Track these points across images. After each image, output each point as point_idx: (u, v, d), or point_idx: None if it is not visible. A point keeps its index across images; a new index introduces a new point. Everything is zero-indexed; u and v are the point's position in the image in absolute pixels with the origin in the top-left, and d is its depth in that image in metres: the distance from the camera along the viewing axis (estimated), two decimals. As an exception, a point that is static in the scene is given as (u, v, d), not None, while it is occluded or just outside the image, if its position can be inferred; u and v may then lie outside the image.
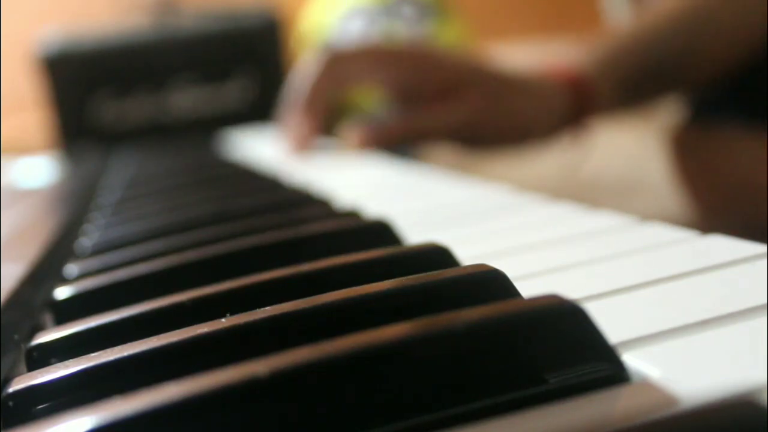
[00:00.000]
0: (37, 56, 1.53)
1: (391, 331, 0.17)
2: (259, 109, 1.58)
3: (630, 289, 0.22)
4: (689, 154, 0.73)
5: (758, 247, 0.24)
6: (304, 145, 0.65)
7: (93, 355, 0.19)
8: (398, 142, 0.65)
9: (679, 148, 0.74)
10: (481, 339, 0.17)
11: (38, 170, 0.87)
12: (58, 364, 0.19)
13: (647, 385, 0.16)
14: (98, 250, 0.34)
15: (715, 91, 0.73)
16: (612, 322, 0.19)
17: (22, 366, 0.22)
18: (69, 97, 1.54)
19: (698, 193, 0.72)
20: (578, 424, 0.15)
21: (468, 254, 0.26)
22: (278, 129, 0.71)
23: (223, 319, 0.20)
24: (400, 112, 0.65)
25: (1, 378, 0.20)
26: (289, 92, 0.69)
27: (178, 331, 0.20)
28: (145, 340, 0.19)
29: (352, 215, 0.35)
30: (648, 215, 0.30)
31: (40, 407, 0.18)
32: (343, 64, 0.64)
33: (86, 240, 0.37)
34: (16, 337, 0.23)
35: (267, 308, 0.20)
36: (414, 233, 0.31)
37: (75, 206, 0.51)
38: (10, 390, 0.18)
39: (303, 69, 0.67)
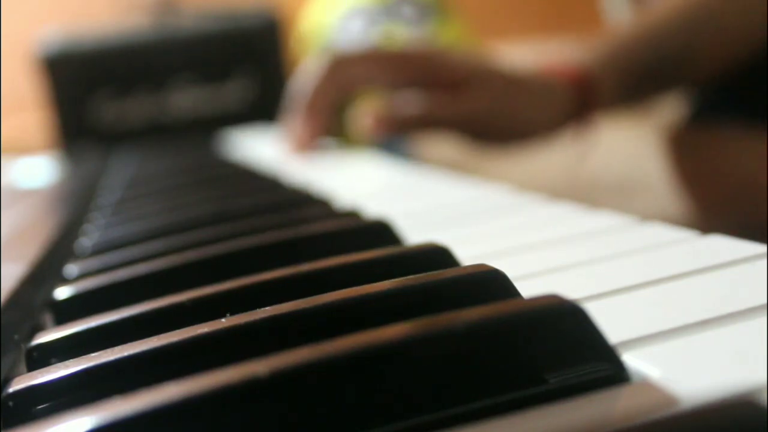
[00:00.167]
0: (37, 56, 1.53)
1: (391, 331, 0.17)
2: (259, 109, 1.58)
3: (630, 289, 0.22)
4: (689, 154, 0.73)
5: (758, 247, 0.24)
6: (306, 148, 0.65)
7: (93, 355, 0.19)
8: (409, 129, 0.65)
9: (679, 148, 0.74)
10: (481, 339, 0.17)
11: (38, 170, 0.87)
12: (58, 364, 0.19)
13: (647, 385, 0.16)
14: (98, 250, 0.34)
15: (715, 90, 0.73)
16: (612, 322, 0.19)
17: (22, 366, 0.22)
18: (69, 97, 1.54)
19: (698, 193, 0.72)
20: (578, 424, 0.15)
21: (468, 254, 0.26)
22: (281, 131, 0.71)
23: (223, 319, 0.20)
24: (410, 101, 0.66)
25: (1, 378, 0.20)
26: (292, 95, 0.69)
27: (178, 331, 0.20)
28: (145, 340, 0.19)
29: (352, 215, 0.35)
30: (648, 215, 0.30)
31: (40, 407, 0.18)
32: (346, 68, 0.64)
33: (86, 240, 0.37)
34: (16, 337, 0.23)
35: (267, 308, 0.20)
36: (414, 233, 0.31)
37: (75, 206, 0.51)
38: (10, 390, 0.18)
39: (306, 72, 0.67)
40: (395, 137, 0.84)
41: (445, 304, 0.19)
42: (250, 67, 1.60)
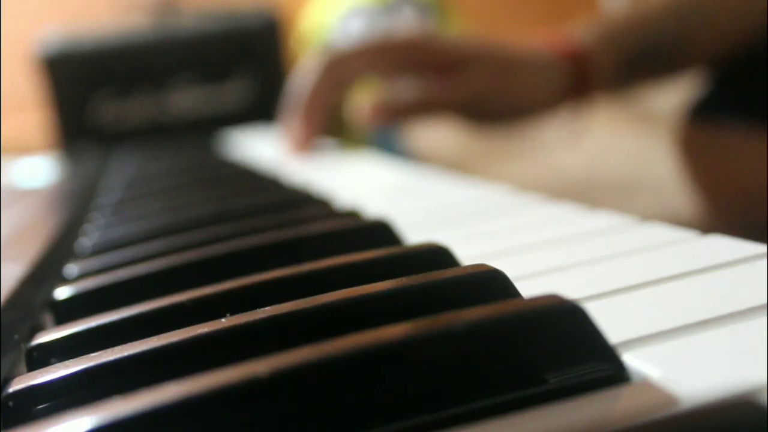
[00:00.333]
0: (37, 56, 1.53)
1: (392, 331, 0.17)
2: (259, 109, 1.58)
3: (630, 289, 0.22)
4: (689, 154, 0.73)
5: (758, 247, 0.24)
6: (305, 147, 0.66)
7: (93, 355, 0.19)
8: (409, 116, 0.65)
9: (679, 147, 0.74)
10: (481, 339, 0.17)
11: (38, 170, 0.87)
12: (58, 364, 0.19)
13: (647, 385, 0.16)
14: (98, 250, 0.34)
15: (715, 90, 0.73)
16: (612, 322, 0.19)
17: (22, 366, 0.22)
18: (69, 97, 1.54)
19: (698, 193, 0.72)
20: (578, 424, 0.15)
21: (468, 254, 0.26)
22: (280, 131, 0.71)
23: (223, 319, 0.20)
24: (407, 89, 0.66)
25: (1, 378, 0.20)
26: (290, 95, 0.69)
27: (178, 331, 0.20)
28: (145, 340, 0.19)
29: (352, 215, 0.35)
30: (648, 215, 0.30)
31: (40, 407, 0.18)
32: (343, 64, 0.64)
33: (86, 240, 0.37)
34: (16, 337, 0.23)
35: (267, 308, 0.20)
36: (414, 233, 0.31)
37: (75, 206, 0.51)
38: (10, 390, 0.18)
39: (303, 71, 0.67)
40: (394, 126, 0.84)
41: (445, 304, 0.19)
42: (250, 67, 1.60)
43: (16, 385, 0.18)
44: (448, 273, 0.22)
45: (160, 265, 0.28)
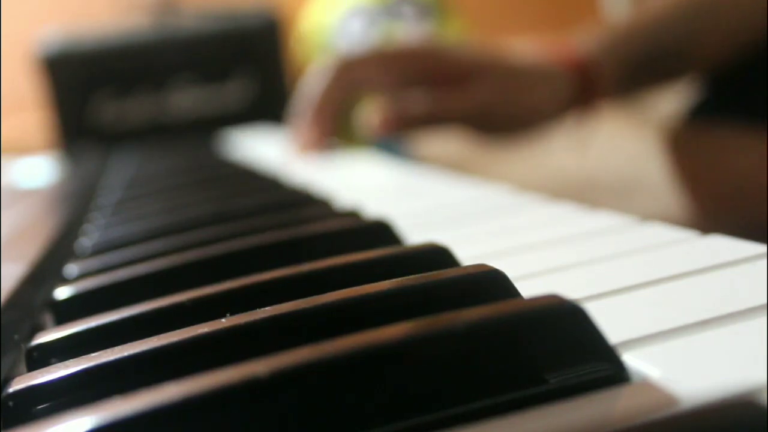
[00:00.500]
0: (37, 56, 1.53)
1: (392, 331, 0.17)
2: (259, 109, 1.58)
3: (630, 289, 0.22)
4: (689, 154, 0.73)
5: (758, 247, 0.24)
6: (315, 149, 0.66)
7: (93, 355, 0.19)
8: (417, 127, 0.66)
9: (679, 148, 0.74)
10: (482, 339, 0.17)
11: (38, 170, 0.87)
12: (58, 364, 0.19)
13: (647, 385, 0.16)
14: (98, 250, 0.34)
15: (715, 89, 0.73)
16: (612, 322, 0.19)
17: (22, 366, 0.22)
18: (69, 97, 1.54)
19: (698, 193, 0.72)
20: (578, 424, 0.15)
21: (468, 254, 0.26)
22: (289, 134, 0.71)
23: (223, 319, 0.20)
24: (415, 99, 0.66)
25: (1, 378, 0.20)
26: (300, 99, 0.69)
27: (178, 331, 0.20)
28: (145, 340, 0.19)
29: (352, 215, 0.35)
30: (648, 215, 0.30)
31: (40, 407, 0.18)
32: (353, 70, 0.65)
33: (86, 240, 0.37)
34: (16, 337, 0.23)
35: (267, 308, 0.20)
36: (414, 233, 0.31)
37: (75, 206, 0.51)
38: (10, 390, 0.18)
39: (313, 76, 0.67)
40: (400, 136, 0.84)
41: (445, 304, 0.19)
42: (250, 67, 1.60)
43: (16, 385, 0.18)
44: (448, 273, 0.22)
45: (160, 265, 0.28)
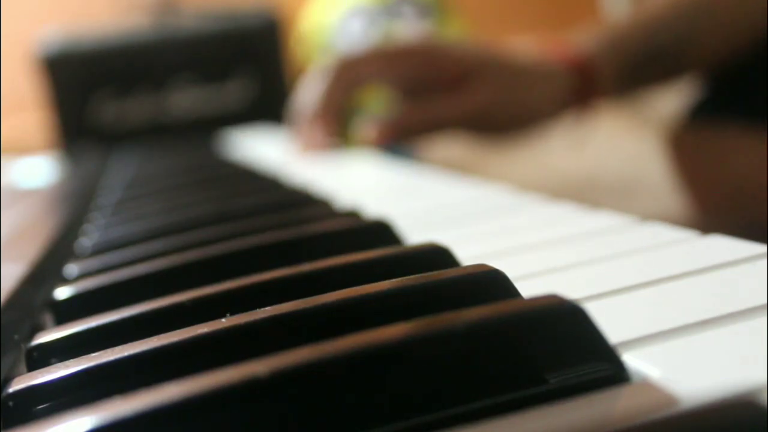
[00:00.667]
0: (37, 56, 1.53)
1: (391, 331, 0.17)
2: (259, 109, 1.58)
3: (630, 289, 0.22)
4: (689, 154, 0.73)
5: (758, 247, 0.24)
6: (319, 150, 0.66)
7: (93, 355, 0.19)
8: (413, 134, 0.66)
9: (679, 148, 0.74)
10: (481, 339, 0.17)
11: (38, 170, 0.87)
12: (58, 364, 0.19)
13: (647, 385, 0.16)
14: (98, 250, 0.34)
15: (714, 89, 0.73)
16: (612, 322, 0.19)
17: (22, 366, 0.22)
18: (69, 97, 1.54)
19: (698, 193, 0.72)
20: (578, 424, 0.15)
21: (468, 254, 0.26)
22: (291, 135, 0.71)
23: (223, 319, 0.20)
24: (412, 106, 0.66)
25: (1, 378, 0.20)
26: (300, 101, 0.69)
27: (178, 331, 0.20)
28: (145, 340, 0.19)
29: (352, 215, 0.35)
30: (648, 215, 0.30)
31: (40, 407, 0.18)
32: (353, 69, 0.65)
33: (86, 240, 0.37)
34: (16, 337, 0.23)
35: (267, 308, 0.20)
36: (414, 233, 0.31)
37: (75, 206, 0.51)
38: (10, 390, 0.18)
39: (314, 75, 0.67)
40: (400, 144, 0.84)
41: (445, 304, 0.19)
42: (250, 67, 1.60)
43: (16, 385, 0.18)
44: (448, 273, 0.22)
45: (160, 265, 0.28)
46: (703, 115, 0.74)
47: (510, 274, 0.21)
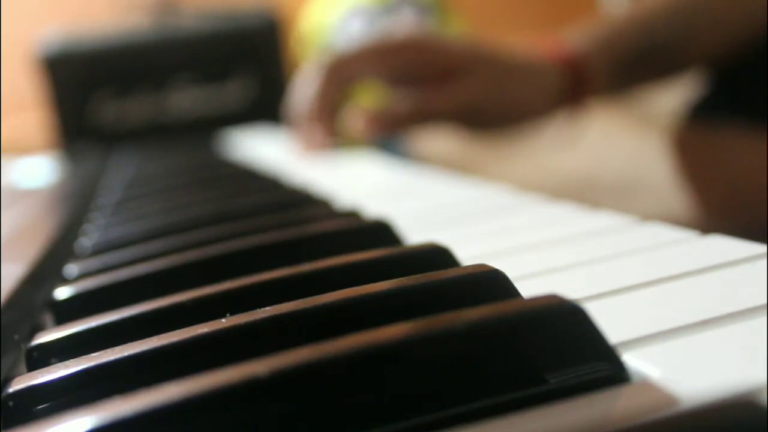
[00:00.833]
0: (37, 56, 1.53)
1: (392, 332, 0.17)
2: (259, 109, 1.58)
3: (630, 289, 0.22)
4: (689, 154, 0.73)
5: (758, 247, 0.24)
6: (317, 149, 0.66)
7: (93, 355, 0.19)
8: (404, 126, 0.66)
9: (679, 148, 0.74)
10: (482, 339, 0.17)
11: (38, 170, 0.87)
12: (58, 364, 0.19)
13: (647, 385, 0.16)
14: (98, 250, 0.34)
15: (714, 89, 0.73)
16: (612, 322, 0.19)
17: (22, 366, 0.22)
18: (69, 97, 1.54)
19: (698, 193, 0.72)
20: (578, 424, 0.15)
21: (468, 254, 0.26)
22: (289, 136, 0.71)
23: (223, 319, 0.20)
24: (402, 97, 0.66)
25: (1, 378, 0.20)
26: (294, 100, 0.69)
27: (178, 331, 0.20)
28: (145, 340, 0.19)
29: (352, 215, 0.35)
30: (648, 215, 0.30)
31: (40, 407, 0.18)
32: (345, 66, 0.65)
33: (86, 240, 0.37)
34: (16, 337, 0.23)
35: (267, 308, 0.20)
36: (414, 233, 0.31)
37: (75, 206, 0.51)
38: (10, 390, 0.18)
39: (305, 75, 0.67)
40: (391, 136, 0.84)
41: (445, 304, 0.19)
42: (250, 67, 1.60)
43: (16, 385, 0.18)
44: (448, 273, 0.22)
45: (160, 265, 0.28)
46: (703, 113, 0.74)
47: (510, 274, 0.21)
